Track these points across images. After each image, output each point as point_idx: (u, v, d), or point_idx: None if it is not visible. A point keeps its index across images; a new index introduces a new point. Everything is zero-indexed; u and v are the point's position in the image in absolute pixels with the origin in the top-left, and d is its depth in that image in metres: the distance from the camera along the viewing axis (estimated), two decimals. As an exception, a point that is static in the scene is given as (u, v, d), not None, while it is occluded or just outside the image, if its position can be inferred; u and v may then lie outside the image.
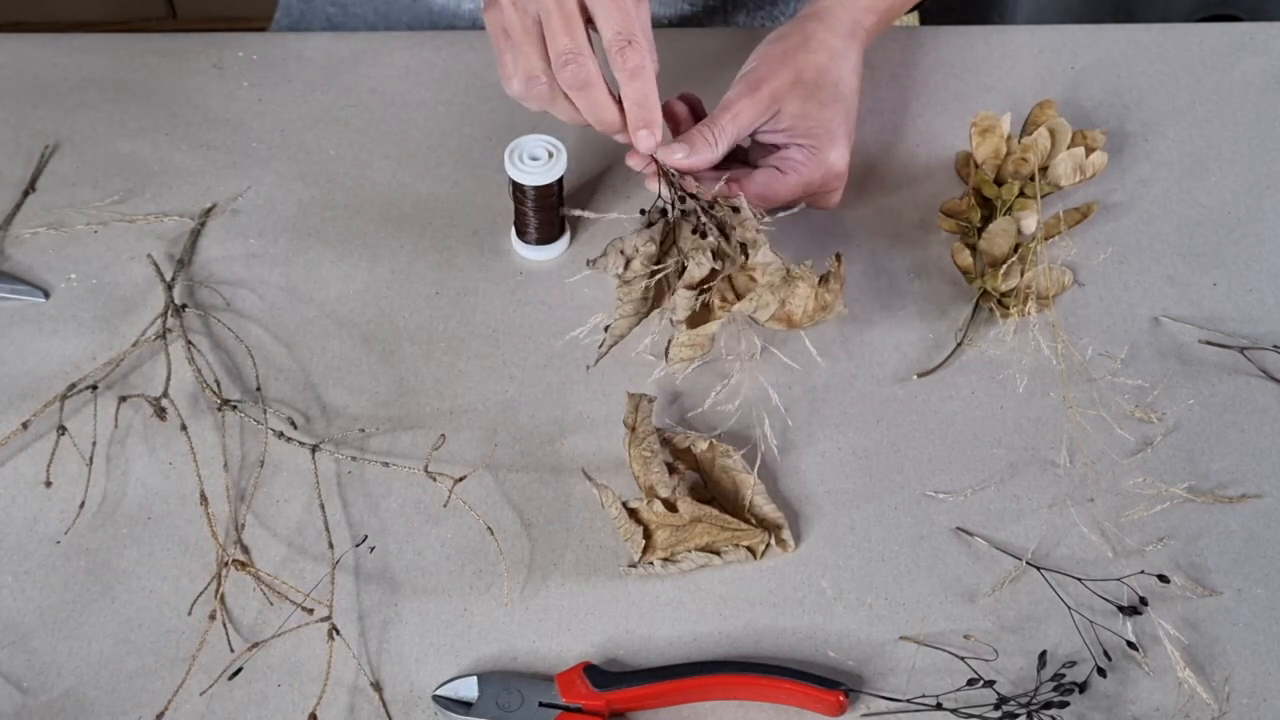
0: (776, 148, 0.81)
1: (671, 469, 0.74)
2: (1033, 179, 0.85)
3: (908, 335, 0.81)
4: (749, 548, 0.71)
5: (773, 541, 0.71)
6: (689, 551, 0.70)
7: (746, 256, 0.73)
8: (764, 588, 0.71)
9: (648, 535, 0.70)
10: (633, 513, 0.70)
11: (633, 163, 0.79)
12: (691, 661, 0.68)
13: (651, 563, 0.70)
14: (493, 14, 0.77)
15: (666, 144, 0.77)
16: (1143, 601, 0.68)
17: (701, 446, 0.74)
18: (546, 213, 0.83)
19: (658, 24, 1.04)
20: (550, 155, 0.81)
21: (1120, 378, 0.78)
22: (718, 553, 0.70)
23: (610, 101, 0.76)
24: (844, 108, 0.81)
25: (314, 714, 0.65)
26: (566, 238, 0.86)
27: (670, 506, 0.71)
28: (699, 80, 0.88)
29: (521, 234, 0.85)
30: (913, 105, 0.94)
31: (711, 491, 0.74)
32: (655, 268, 0.74)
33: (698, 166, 0.77)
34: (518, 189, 0.82)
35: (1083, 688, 0.66)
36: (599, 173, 0.90)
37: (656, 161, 0.77)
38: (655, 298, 0.76)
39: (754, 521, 0.72)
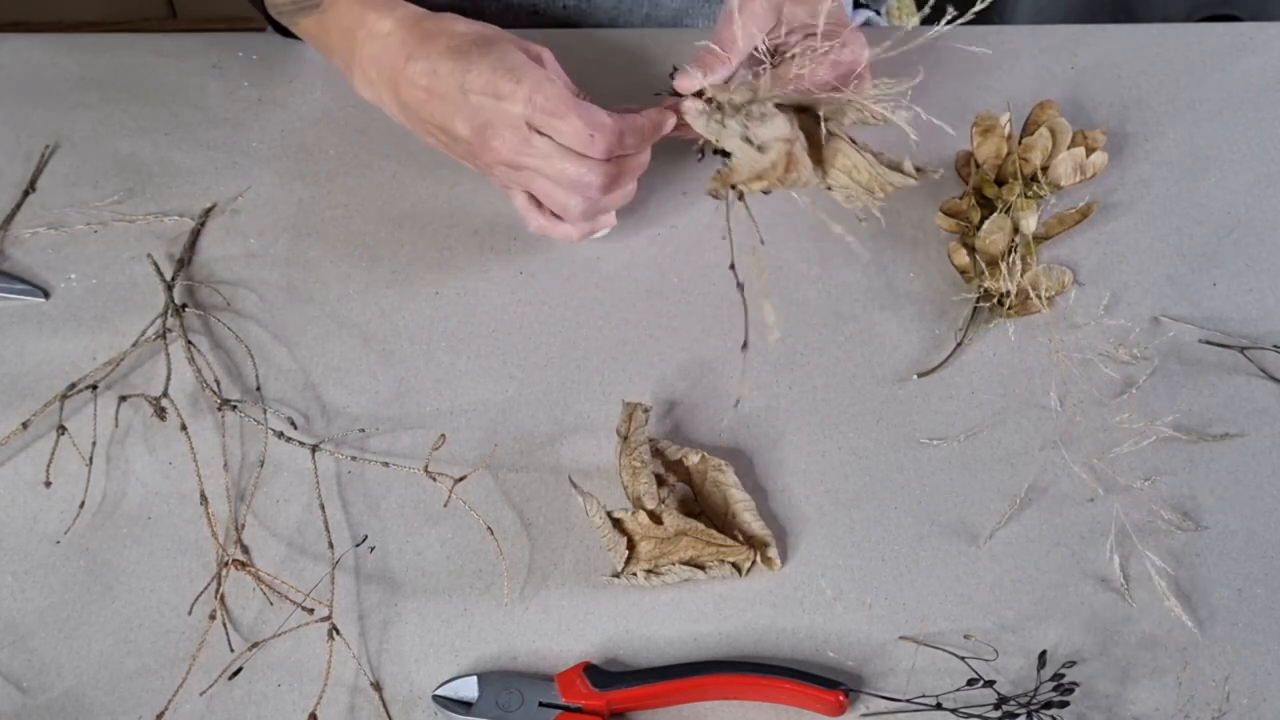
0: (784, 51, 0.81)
1: (662, 481, 0.73)
2: (1034, 179, 0.85)
3: (908, 335, 0.81)
4: (734, 564, 0.70)
5: (758, 559, 0.71)
6: (673, 565, 0.70)
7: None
8: (764, 587, 0.71)
9: (632, 546, 0.70)
10: (617, 522, 0.70)
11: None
12: (691, 661, 0.68)
13: (635, 574, 0.70)
14: (494, 179, 0.81)
15: (684, 71, 0.76)
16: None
17: (693, 460, 0.74)
18: None
19: (656, 24, 1.04)
20: None
21: (1119, 377, 0.78)
22: (702, 567, 0.70)
23: (638, 157, 0.79)
24: (836, 6, 0.82)
25: (314, 714, 0.65)
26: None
27: (655, 519, 0.71)
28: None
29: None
30: (913, 105, 0.93)
31: (701, 505, 0.74)
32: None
33: (717, 82, 0.77)
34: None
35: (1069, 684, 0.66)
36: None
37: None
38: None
39: (741, 538, 0.71)
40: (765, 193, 0.75)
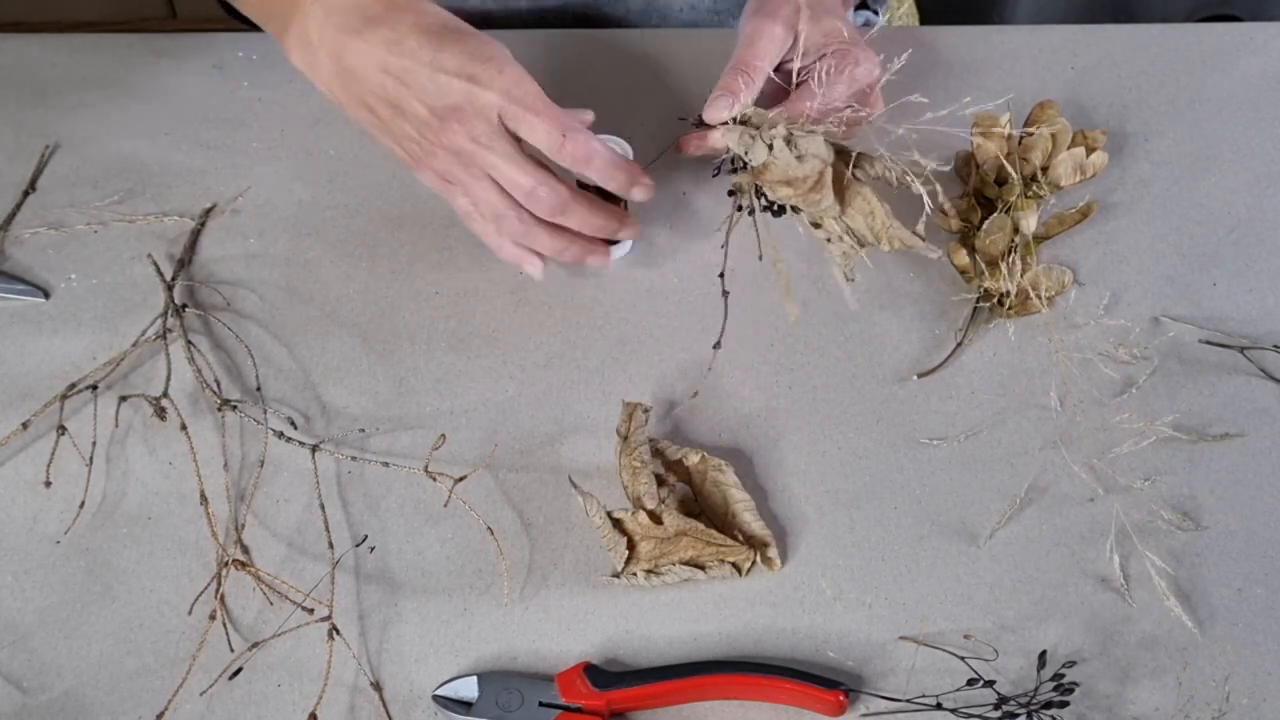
0: (796, 73, 0.81)
1: (662, 481, 0.73)
2: (1034, 179, 0.85)
3: (908, 335, 0.81)
4: (734, 564, 0.70)
5: (758, 559, 0.71)
6: (673, 565, 0.70)
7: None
8: (764, 588, 0.71)
9: (632, 546, 0.70)
10: (617, 523, 0.70)
11: (690, 150, 0.80)
12: (691, 661, 0.68)
13: (635, 574, 0.70)
14: (428, 171, 0.78)
15: (712, 101, 0.77)
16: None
17: (693, 460, 0.74)
18: None
19: (673, 24, 1.05)
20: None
21: (1119, 377, 0.78)
22: (702, 567, 0.70)
23: (598, 209, 0.77)
24: (844, 19, 0.83)
25: (314, 714, 0.65)
26: (630, 239, 0.85)
27: (655, 519, 0.71)
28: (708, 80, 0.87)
29: None
30: (913, 105, 0.93)
31: (702, 505, 0.74)
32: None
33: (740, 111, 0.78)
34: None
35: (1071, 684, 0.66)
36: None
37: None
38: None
39: (741, 538, 0.71)
40: (774, 214, 0.76)
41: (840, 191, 0.75)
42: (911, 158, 0.73)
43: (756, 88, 0.79)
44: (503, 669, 0.68)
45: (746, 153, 0.74)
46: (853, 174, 0.75)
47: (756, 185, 0.75)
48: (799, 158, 0.72)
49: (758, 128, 0.74)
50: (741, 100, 0.76)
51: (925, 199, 0.72)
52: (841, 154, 0.75)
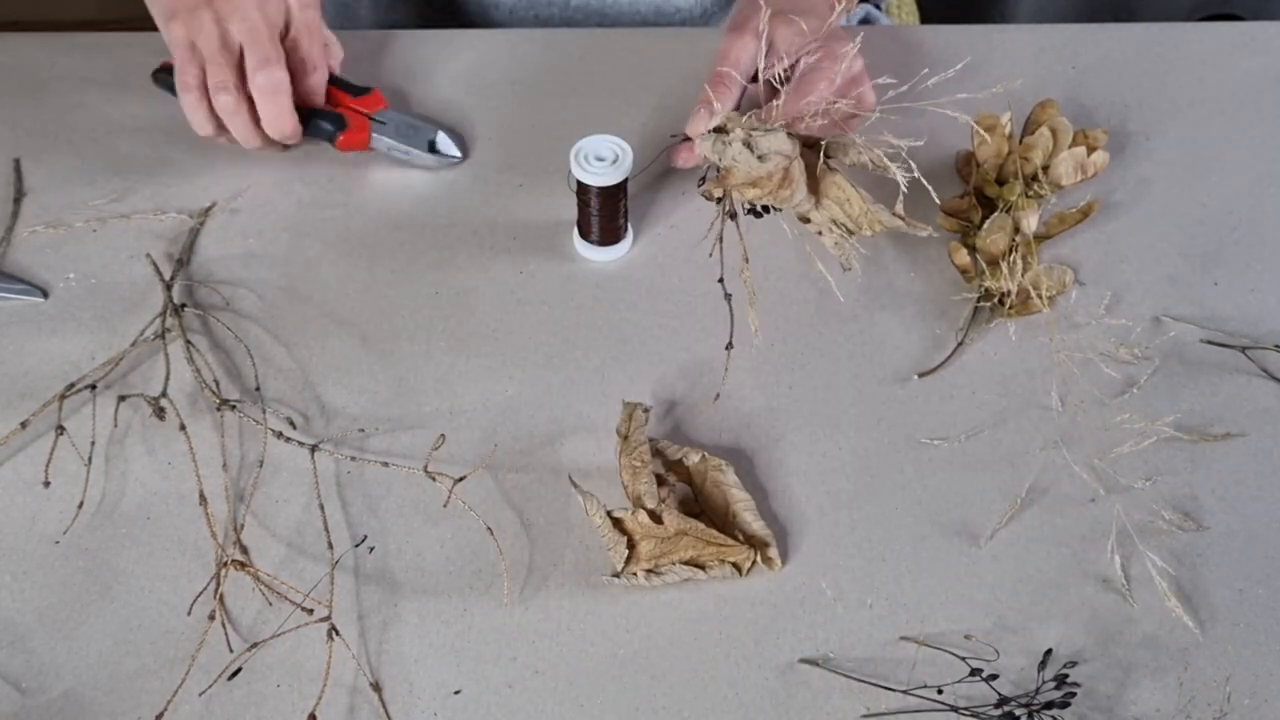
0: (787, 76, 0.83)
1: (662, 480, 0.73)
2: (1034, 178, 0.85)
3: (908, 335, 0.81)
4: (734, 564, 0.70)
5: (758, 559, 0.71)
6: (673, 565, 0.70)
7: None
8: (764, 588, 0.70)
9: (632, 545, 0.70)
10: (618, 522, 0.70)
11: (680, 163, 0.85)
12: None
13: (635, 574, 0.70)
14: (178, 28, 0.84)
15: (692, 115, 0.81)
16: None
17: (693, 459, 0.73)
18: (610, 214, 0.83)
19: (688, 20, 1.05)
20: (616, 157, 0.80)
21: (1120, 377, 0.78)
22: (703, 567, 0.70)
23: (292, 111, 0.85)
24: (824, 17, 0.85)
25: (313, 715, 0.65)
26: (629, 239, 0.85)
27: (655, 518, 0.70)
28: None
29: (585, 235, 0.85)
30: (913, 105, 0.93)
31: (702, 505, 0.74)
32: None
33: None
34: (582, 189, 0.81)
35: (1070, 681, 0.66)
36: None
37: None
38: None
39: (741, 538, 0.71)
40: (757, 215, 0.76)
41: (815, 183, 0.75)
42: (886, 140, 0.73)
43: (733, 97, 0.81)
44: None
45: (720, 159, 0.74)
46: (825, 164, 0.75)
47: (723, 190, 0.75)
48: (760, 158, 0.72)
49: (729, 134, 0.74)
50: (716, 111, 0.77)
51: (899, 179, 0.72)
52: (813, 145, 0.75)
